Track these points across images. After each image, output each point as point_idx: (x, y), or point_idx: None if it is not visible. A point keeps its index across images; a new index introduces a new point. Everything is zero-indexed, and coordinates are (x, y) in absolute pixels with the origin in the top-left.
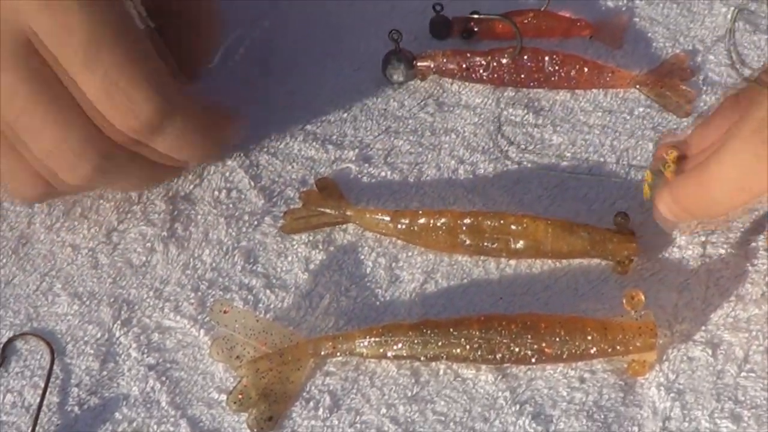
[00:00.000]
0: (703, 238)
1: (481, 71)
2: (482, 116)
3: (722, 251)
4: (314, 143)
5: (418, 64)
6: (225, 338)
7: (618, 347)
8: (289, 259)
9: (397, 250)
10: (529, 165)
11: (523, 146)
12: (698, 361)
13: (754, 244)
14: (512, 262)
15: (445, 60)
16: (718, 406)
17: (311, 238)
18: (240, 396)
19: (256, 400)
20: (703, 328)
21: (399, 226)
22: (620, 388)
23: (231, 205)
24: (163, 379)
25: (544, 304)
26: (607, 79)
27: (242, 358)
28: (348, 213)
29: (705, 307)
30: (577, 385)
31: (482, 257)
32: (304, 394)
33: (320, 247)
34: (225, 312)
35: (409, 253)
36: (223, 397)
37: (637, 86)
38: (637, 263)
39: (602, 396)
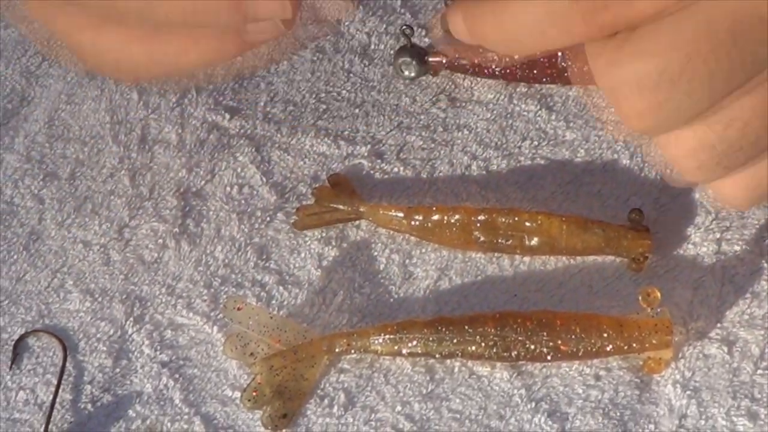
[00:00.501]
0: (718, 235)
1: (493, 67)
2: (495, 112)
3: (737, 248)
4: (326, 139)
5: (430, 59)
6: (239, 335)
7: (634, 345)
8: (302, 255)
9: (410, 246)
10: (543, 161)
11: (536, 143)
12: (714, 358)
13: None
14: (526, 258)
15: (457, 55)
16: (735, 404)
17: (324, 234)
18: (254, 393)
19: (270, 398)
20: (719, 325)
21: (413, 222)
22: (636, 385)
23: (243, 201)
24: (177, 376)
25: (559, 301)
26: None
27: (256, 356)
28: (361, 209)
29: (720, 305)
30: (593, 382)
31: (496, 254)
32: (319, 391)
33: (333, 243)
34: (238, 309)
35: (423, 250)
36: (237, 394)
37: None
38: (651, 260)
39: (618, 393)
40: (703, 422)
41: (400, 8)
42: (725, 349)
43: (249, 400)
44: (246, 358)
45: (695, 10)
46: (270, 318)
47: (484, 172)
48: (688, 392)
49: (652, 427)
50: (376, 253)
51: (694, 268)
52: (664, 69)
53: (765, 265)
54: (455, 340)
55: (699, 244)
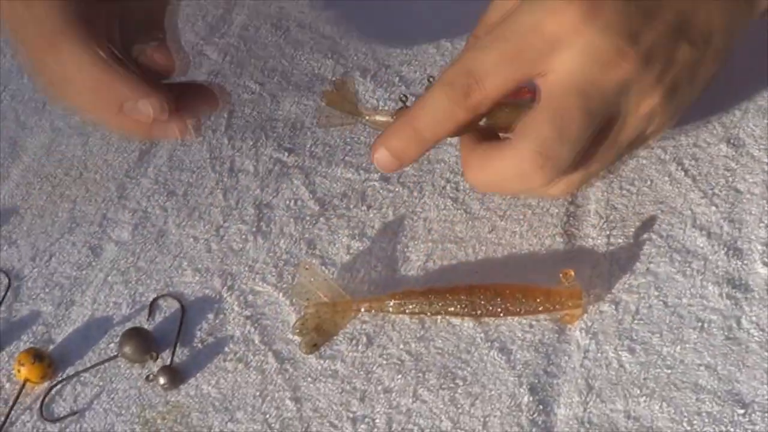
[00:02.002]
0: (608, 232)
1: None
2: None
3: (620, 241)
4: (351, 169)
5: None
6: (303, 285)
7: (557, 306)
8: (336, 246)
9: (407, 239)
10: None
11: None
12: (606, 313)
13: (642, 236)
14: (484, 248)
15: None
16: (620, 342)
17: (351, 233)
18: (302, 325)
19: (309, 330)
20: (609, 292)
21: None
22: (556, 331)
23: (297, 210)
24: (256, 325)
25: (505, 276)
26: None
27: (310, 300)
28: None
29: (609, 278)
30: (528, 329)
31: (463, 245)
32: (348, 334)
33: (357, 238)
34: (306, 268)
35: (416, 242)
36: (296, 338)
37: None
38: (567, 247)
39: (544, 336)
40: (599, 355)
41: (398, 82)
42: (613, 307)
43: (297, 328)
44: (303, 300)
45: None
46: (324, 279)
47: (455, 191)
48: (590, 335)
49: (566, 358)
50: (384, 245)
51: (592, 254)
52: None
53: (638, 252)
54: (440, 304)
55: (595, 238)
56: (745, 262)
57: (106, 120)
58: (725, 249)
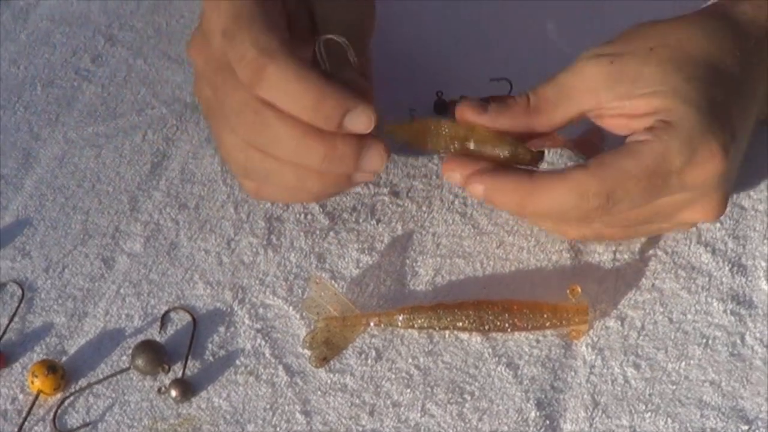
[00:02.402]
0: (613, 248)
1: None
2: None
3: (626, 257)
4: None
5: None
6: (313, 299)
7: (563, 322)
8: (346, 260)
9: (415, 254)
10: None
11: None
12: (612, 329)
13: (648, 252)
14: (492, 263)
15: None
16: (625, 358)
17: (360, 246)
18: (312, 338)
19: (319, 344)
20: (615, 307)
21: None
22: (562, 346)
23: (307, 224)
24: (267, 338)
25: (512, 291)
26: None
27: (320, 314)
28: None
29: (616, 294)
30: (535, 344)
31: (471, 260)
32: (357, 348)
33: (366, 252)
34: (317, 282)
35: (424, 257)
36: (306, 352)
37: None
38: (574, 263)
39: (551, 351)
40: (605, 370)
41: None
42: (619, 323)
43: (307, 342)
44: (313, 314)
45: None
46: (335, 294)
47: (463, 206)
48: (596, 351)
49: (572, 373)
50: (393, 259)
51: (598, 270)
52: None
53: (643, 268)
54: (448, 319)
55: (601, 253)
56: (750, 278)
57: (313, 153)
58: (729, 265)
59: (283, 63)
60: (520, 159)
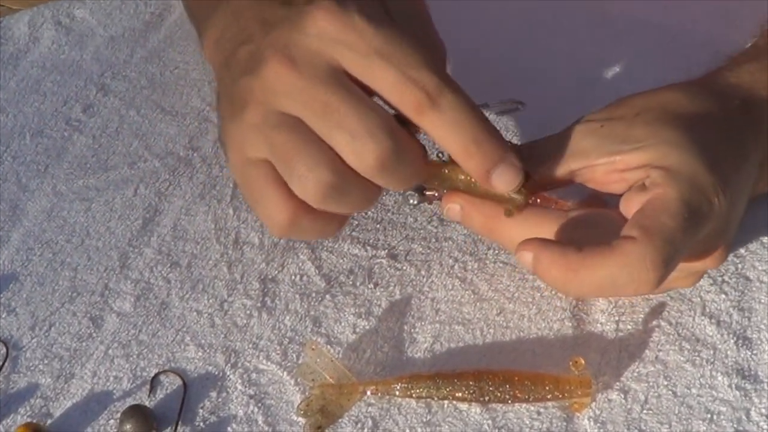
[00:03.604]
0: (616, 318)
1: None
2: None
3: (630, 327)
4: (357, 245)
5: (427, 192)
6: (308, 365)
7: (565, 394)
8: (342, 324)
9: (414, 320)
10: (501, 264)
11: (497, 250)
12: (614, 402)
13: (651, 323)
14: (492, 331)
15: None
16: None
17: (356, 311)
18: (306, 406)
19: (314, 412)
20: (618, 380)
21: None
22: (564, 419)
23: (303, 286)
24: (260, 405)
25: (512, 361)
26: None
27: (316, 381)
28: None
29: (618, 365)
30: (536, 416)
31: (471, 327)
32: (353, 417)
33: (363, 317)
34: (312, 349)
35: (423, 323)
36: (301, 420)
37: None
38: (576, 332)
39: (552, 424)
40: None
41: None
42: (622, 396)
43: (301, 410)
44: (309, 381)
45: None
46: (331, 360)
47: (463, 271)
48: (598, 424)
49: None
50: (391, 325)
51: (601, 340)
52: None
53: (647, 339)
54: (447, 388)
55: (604, 323)
56: (755, 352)
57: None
58: (735, 338)
59: (459, 94)
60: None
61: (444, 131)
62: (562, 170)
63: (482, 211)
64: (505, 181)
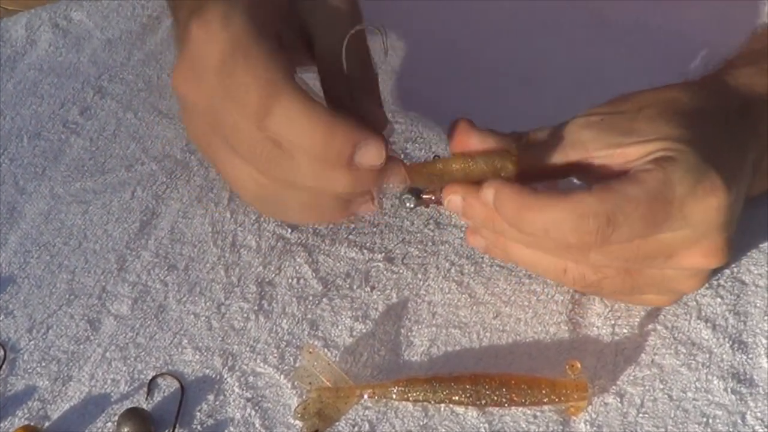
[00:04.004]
0: (612, 322)
1: None
2: (465, 232)
3: (625, 330)
4: (354, 248)
5: (423, 196)
6: (305, 369)
7: (562, 398)
8: (339, 327)
9: (410, 323)
10: (497, 267)
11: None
12: (611, 405)
13: (647, 327)
14: (488, 334)
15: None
16: None
17: (353, 314)
18: (303, 409)
19: (311, 415)
20: (614, 383)
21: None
22: (560, 423)
23: (300, 289)
24: (257, 408)
25: (509, 364)
26: None
27: (313, 384)
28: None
29: (614, 369)
30: (532, 420)
31: (467, 331)
32: (350, 420)
33: (360, 320)
34: (310, 352)
35: (420, 326)
36: (298, 423)
37: None
38: (572, 336)
39: (548, 428)
40: None
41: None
42: (618, 399)
43: (298, 413)
44: (306, 384)
45: None
46: (328, 364)
47: (460, 274)
48: (594, 428)
49: None
50: (388, 328)
51: (597, 344)
52: None
53: (643, 343)
54: (444, 392)
55: (600, 327)
56: (750, 356)
57: (335, 181)
58: (730, 342)
59: (289, 99)
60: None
61: (294, 133)
62: (559, 160)
63: (483, 200)
64: (369, 159)
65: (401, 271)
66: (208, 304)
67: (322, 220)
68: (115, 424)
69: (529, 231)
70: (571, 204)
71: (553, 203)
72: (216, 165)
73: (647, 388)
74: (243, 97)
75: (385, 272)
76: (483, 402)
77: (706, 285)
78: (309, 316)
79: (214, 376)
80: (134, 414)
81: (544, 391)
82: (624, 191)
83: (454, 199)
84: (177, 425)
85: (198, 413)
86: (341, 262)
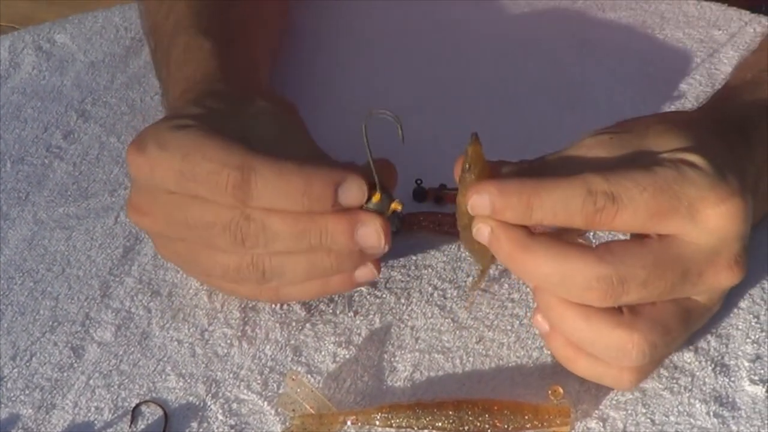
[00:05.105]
0: None
1: (447, 227)
2: (448, 256)
3: None
4: None
5: (406, 221)
6: (289, 395)
7: (544, 423)
8: (323, 353)
9: (394, 348)
10: (479, 292)
11: (475, 278)
12: (593, 430)
13: None
14: (471, 359)
15: (422, 218)
16: None
17: (336, 339)
18: None
19: None
20: (596, 408)
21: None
22: None
23: (283, 315)
24: None
25: (491, 390)
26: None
27: (296, 411)
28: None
29: (597, 394)
30: None
31: (451, 356)
32: None
33: (343, 346)
34: (293, 379)
35: (403, 351)
36: None
37: None
38: (555, 360)
39: None
40: None
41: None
42: (601, 424)
43: None
44: (289, 411)
45: None
46: (311, 391)
47: (442, 299)
48: None
49: None
50: (371, 353)
51: None
52: None
53: None
54: (427, 418)
55: None
56: (732, 379)
57: (326, 232)
58: (712, 365)
59: (261, 168)
60: None
61: (277, 198)
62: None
63: (510, 236)
64: (350, 198)
65: (384, 295)
66: (191, 330)
67: (326, 289)
68: None
69: (536, 219)
70: (577, 180)
71: (553, 183)
72: (201, 271)
73: (630, 412)
74: (214, 182)
75: (368, 297)
76: (466, 428)
77: None
78: (292, 341)
79: (197, 403)
80: None
81: (527, 417)
82: (631, 175)
83: (482, 228)
84: None
85: None
86: None
